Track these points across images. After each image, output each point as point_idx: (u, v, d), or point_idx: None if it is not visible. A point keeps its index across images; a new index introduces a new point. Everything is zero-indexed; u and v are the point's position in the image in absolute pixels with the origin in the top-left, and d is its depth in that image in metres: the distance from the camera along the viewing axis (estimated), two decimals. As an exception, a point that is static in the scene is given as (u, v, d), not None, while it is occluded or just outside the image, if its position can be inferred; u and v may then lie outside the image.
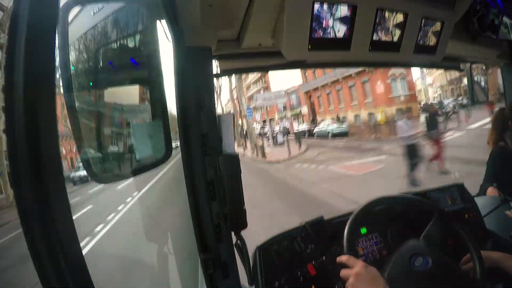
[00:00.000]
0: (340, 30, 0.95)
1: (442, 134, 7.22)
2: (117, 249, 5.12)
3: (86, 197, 10.50)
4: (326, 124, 22.27)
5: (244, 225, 0.88)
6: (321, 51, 0.95)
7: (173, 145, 0.83)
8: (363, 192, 5.66)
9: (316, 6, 0.87)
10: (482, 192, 1.54)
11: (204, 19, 0.88)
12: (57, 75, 0.53)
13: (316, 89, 29.90)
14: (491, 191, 1.48)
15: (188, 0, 0.82)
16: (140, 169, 0.78)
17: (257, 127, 30.92)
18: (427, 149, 6.83)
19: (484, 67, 1.84)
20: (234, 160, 0.89)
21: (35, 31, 0.44)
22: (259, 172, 11.42)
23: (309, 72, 29.00)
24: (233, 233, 0.94)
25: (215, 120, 0.95)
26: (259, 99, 21.68)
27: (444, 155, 6.66)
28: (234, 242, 0.95)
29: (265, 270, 1.00)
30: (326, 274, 1.05)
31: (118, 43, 0.74)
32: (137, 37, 0.79)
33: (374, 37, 1.02)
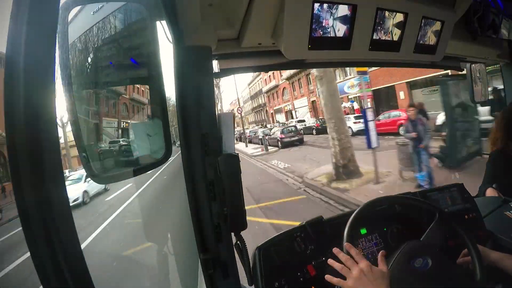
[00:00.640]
0: (340, 30, 0.95)
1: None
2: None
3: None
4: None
5: (244, 225, 0.88)
6: (321, 50, 0.95)
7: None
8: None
9: (316, 5, 0.87)
10: (481, 193, 1.54)
11: (204, 18, 0.88)
12: (57, 75, 0.53)
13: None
14: (490, 192, 1.47)
15: (188, 0, 0.82)
16: (140, 169, 0.78)
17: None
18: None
19: (484, 67, 1.84)
20: (234, 160, 0.88)
21: (35, 31, 0.44)
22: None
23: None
24: (233, 234, 0.94)
25: (215, 120, 0.94)
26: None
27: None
28: (234, 243, 0.95)
29: (265, 270, 1.00)
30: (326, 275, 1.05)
31: (118, 42, 0.74)
32: (137, 36, 0.79)
33: (374, 37, 1.02)
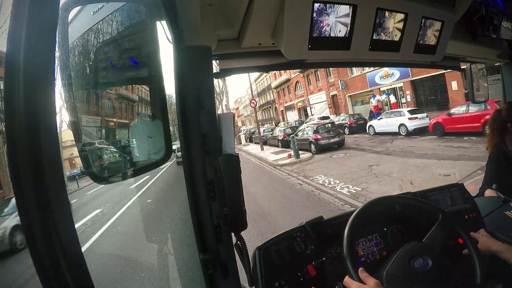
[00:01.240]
0: (340, 30, 0.95)
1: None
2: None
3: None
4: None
5: (244, 225, 0.88)
6: (321, 50, 0.95)
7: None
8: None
9: (316, 5, 0.87)
10: (481, 193, 1.54)
11: (204, 18, 0.88)
12: (57, 75, 0.53)
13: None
14: (489, 193, 1.47)
15: (188, 0, 0.82)
16: (140, 169, 0.78)
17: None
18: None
19: (484, 67, 1.84)
20: (234, 160, 0.88)
21: (35, 31, 0.44)
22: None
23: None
24: (233, 234, 0.94)
25: (215, 120, 0.94)
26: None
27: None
28: (234, 243, 0.95)
29: (265, 270, 1.00)
30: (326, 275, 1.05)
31: (118, 42, 0.74)
32: (137, 36, 0.79)
33: (374, 37, 1.02)
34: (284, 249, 1.05)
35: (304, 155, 11.93)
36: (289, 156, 12.05)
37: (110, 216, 7.13)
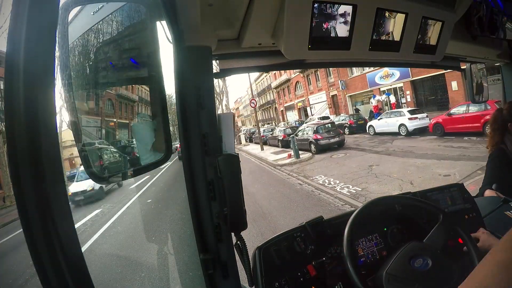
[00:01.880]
0: (340, 30, 0.95)
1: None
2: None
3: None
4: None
5: (244, 225, 0.88)
6: (321, 50, 0.95)
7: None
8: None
9: (316, 5, 0.87)
10: (481, 194, 1.54)
11: (204, 18, 0.88)
12: (57, 75, 0.53)
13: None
14: (489, 193, 1.47)
15: (188, 0, 0.82)
16: (140, 169, 0.78)
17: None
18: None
19: (484, 67, 1.84)
20: (234, 160, 0.88)
21: (35, 31, 0.44)
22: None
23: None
24: (233, 234, 0.94)
25: (215, 120, 0.94)
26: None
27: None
28: (234, 243, 0.95)
29: (265, 270, 1.00)
30: (326, 275, 1.05)
31: (118, 42, 0.74)
32: (137, 36, 0.79)
33: (374, 37, 1.02)
34: (284, 249, 1.06)
35: (304, 155, 11.85)
36: (289, 156, 11.96)
37: (110, 216, 7.13)
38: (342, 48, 0.98)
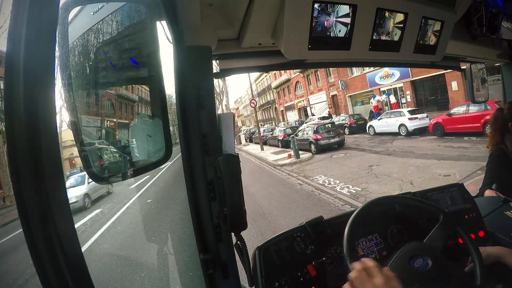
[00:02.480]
0: (340, 30, 0.95)
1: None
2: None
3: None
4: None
5: (244, 225, 0.88)
6: (321, 50, 0.95)
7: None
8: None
9: (316, 5, 0.87)
10: (481, 194, 1.54)
11: (204, 18, 0.88)
12: (57, 75, 0.53)
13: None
14: (489, 193, 1.47)
15: (188, 0, 0.82)
16: (140, 169, 0.78)
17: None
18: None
19: (484, 67, 1.84)
20: (234, 160, 0.88)
21: (35, 31, 0.44)
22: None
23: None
24: (233, 234, 0.94)
25: (215, 120, 0.94)
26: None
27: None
28: (234, 243, 0.95)
29: (265, 270, 1.00)
30: (326, 275, 1.05)
31: (118, 42, 0.74)
32: (137, 36, 0.79)
33: (374, 37, 1.02)
34: (284, 249, 1.05)
35: (304, 155, 11.76)
36: (289, 156, 11.87)
37: (110, 216, 7.13)
38: (342, 48, 0.98)
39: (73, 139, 0.61)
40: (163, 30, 0.84)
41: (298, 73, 28.00)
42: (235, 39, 1.05)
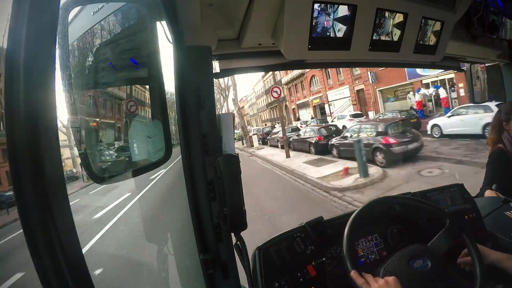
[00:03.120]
0: (340, 30, 0.95)
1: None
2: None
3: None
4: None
5: (244, 226, 0.88)
6: (321, 50, 0.95)
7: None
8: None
9: (316, 5, 0.87)
10: (481, 194, 1.54)
11: (204, 18, 0.88)
12: (57, 75, 0.53)
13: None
14: (489, 194, 1.47)
15: (188, 0, 0.82)
16: (140, 169, 0.78)
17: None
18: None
19: (484, 67, 1.84)
20: (234, 160, 0.88)
21: (35, 31, 0.44)
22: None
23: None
24: (233, 234, 0.94)
25: (215, 120, 0.94)
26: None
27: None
28: (234, 243, 0.95)
29: (265, 270, 1.00)
30: (326, 275, 1.05)
31: (118, 42, 0.74)
32: (137, 36, 0.79)
33: (374, 37, 1.02)
34: (284, 249, 1.05)
35: (370, 169, 7.14)
36: (346, 171, 7.35)
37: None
38: (342, 48, 0.98)
39: (73, 139, 0.61)
40: (163, 30, 0.84)
41: (316, 66, 25.29)
42: (235, 39, 1.05)
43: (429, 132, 11.19)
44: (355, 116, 16.06)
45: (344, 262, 0.88)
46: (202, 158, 0.92)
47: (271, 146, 16.57)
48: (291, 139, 13.68)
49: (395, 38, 1.07)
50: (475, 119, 9.54)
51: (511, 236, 1.16)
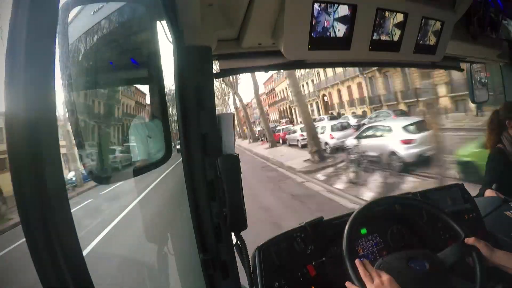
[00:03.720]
0: (340, 30, 0.95)
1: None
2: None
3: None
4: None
5: (244, 225, 0.88)
6: (321, 50, 0.95)
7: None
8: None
9: (316, 5, 0.87)
10: (481, 194, 1.54)
11: (204, 18, 0.88)
12: (57, 75, 0.53)
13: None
14: (489, 193, 1.47)
15: (188, 0, 0.82)
16: (140, 169, 0.78)
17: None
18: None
19: (484, 67, 1.84)
20: (234, 160, 0.89)
21: (35, 31, 0.44)
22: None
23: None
24: (233, 234, 0.94)
25: (215, 120, 0.94)
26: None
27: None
28: (234, 243, 0.95)
29: (265, 270, 1.00)
30: (326, 275, 1.05)
31: (118, 42, 0.74)
32: (137, 36, 0.79)
33: (374, 37, 1.02)
34: (284, 249, 1.05)
35: None
36: None
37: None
38: (342, 48, 0.98)
39: (73, 139, 0.61)
40: (163, 30, 0.84)
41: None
42: (235, 39, 1.05)
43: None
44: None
45: (344, 262, 0.88)
46: (202, 158, 0.92)
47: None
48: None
49: (395, 38, 1.07)
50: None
51: (511, 236, 1.16)
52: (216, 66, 1.11)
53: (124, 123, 0.82)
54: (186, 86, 0.91)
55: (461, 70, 1.77)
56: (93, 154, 0.68)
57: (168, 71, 0.88)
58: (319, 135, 11.32)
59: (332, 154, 10.97)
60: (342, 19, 0.93)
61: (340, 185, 7.35)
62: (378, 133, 8.55)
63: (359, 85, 20.80)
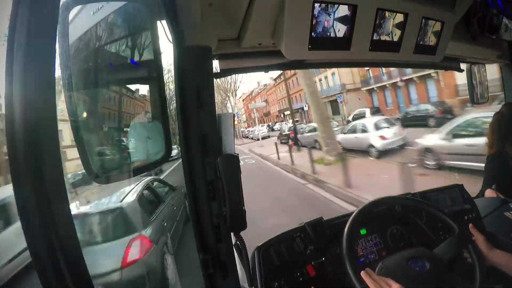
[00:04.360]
0: (340, 30, 0.94)
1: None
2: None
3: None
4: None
5: (243, 225, 0.88)
6: (321, 50, 0.95)
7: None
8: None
9: (316, 5, 0.87)
10: (481, 194, 1.54)
11: (204, 18, 0.88)
12: (57, 75, 0.53)
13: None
14: (489, 193, 1.47)
15: (188, 0, 0.82)
16: (140, 169, 0.78)
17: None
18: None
19: (484, 68, 1.84)
20: (234, 160, 0.89)
21: (35, 31, 0.44)
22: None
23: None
24: (232, 234, 0.94)
25: (215, 120, 0.94)
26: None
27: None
28: (233, 243, 0.95)
29: (265, 270, 1.00)
30: (326, 275, 1.05)
31: (118, 42, 0.74)
32: (137, 36, 0.79)
33: (374, 37, 1.02)
34: (283, 249, 1.05)
35: None
36: None
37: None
38: (342, 48, 0.98)
39: (73, 139, 0.61)
40: (163, 30, 0.84)
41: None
42: (235, 39, 1.04)
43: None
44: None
45: (344, 262, 0.88)
46: (202, 158, 0.92)
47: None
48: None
49: (395, 38, 1.07)
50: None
51: (511, 236, 1.16)
52: (216, 66, 1.11)
53: (124, 122, 0.82)
54: (186, 86, 0.91)
55: (461, 70, 1.77)
56: (92, 153, 0.68)
57: (168, 71, 0.88)
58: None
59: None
60: (342, 19, 0.93)
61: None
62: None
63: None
